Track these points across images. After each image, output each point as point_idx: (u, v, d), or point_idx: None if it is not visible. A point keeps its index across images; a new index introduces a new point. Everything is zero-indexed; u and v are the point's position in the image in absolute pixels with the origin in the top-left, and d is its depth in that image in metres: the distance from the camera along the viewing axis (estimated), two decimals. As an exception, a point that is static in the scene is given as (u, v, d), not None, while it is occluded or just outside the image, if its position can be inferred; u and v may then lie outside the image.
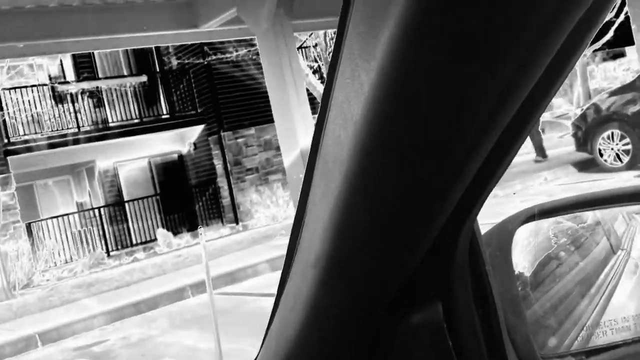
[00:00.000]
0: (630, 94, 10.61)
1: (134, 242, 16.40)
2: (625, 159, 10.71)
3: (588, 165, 11.66)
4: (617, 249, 0.82)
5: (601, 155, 10.98)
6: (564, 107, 21.57)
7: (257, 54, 11.87)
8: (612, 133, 10.75)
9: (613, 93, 10.98)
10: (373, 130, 0.50)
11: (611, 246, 0.82)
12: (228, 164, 17.16)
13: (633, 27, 9.24)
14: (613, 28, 16.89)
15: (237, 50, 16.57)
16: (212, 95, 17.12)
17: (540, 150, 13.80)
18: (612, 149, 10.76)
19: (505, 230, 0.76)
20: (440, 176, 0.52)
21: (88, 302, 9.55)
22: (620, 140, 10.73)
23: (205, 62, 16.86)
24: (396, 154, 0.51)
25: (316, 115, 0.61)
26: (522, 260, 0.75)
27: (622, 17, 16.56)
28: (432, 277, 0.64)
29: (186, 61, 17.35)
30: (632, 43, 22.01)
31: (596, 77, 20.96)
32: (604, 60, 19.31)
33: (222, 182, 17.48)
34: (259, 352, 0.79)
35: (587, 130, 11.00)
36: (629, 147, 10.59)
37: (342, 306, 0.64)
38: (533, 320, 0.73)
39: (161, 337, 7.00)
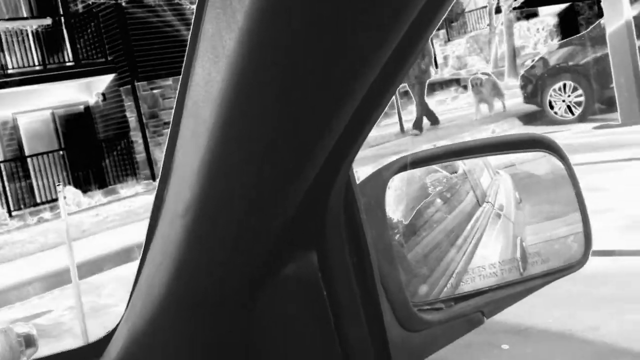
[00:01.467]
0: (580, 45, 10.08)
1: (38, 200, 15.58)
2: (577, 111, 10.25)
3: (532, 119, 11.16)
4: (483, 202, 0.86)
5: (552, 107, 10.48)
6: (478, 65, 21.37)
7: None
8: (564, 85, 10.22)
9: (563, 44, 10.57)
10: (247, 64, 0.47)
11: (477, 198, 0.86)
12: (143, 117, 15.83)
13: None
14: None
15: None
16: (124, 42, 15.74)
17: (418, 124, 13.02)
18: (563, 100, 10.25)
19: (379, 179, 0.75)
20: (316, 119, 0.51)
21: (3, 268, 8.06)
22: (572, 92, 10.23)
23: (117, 5, 15.10)
24: (271, 91, 0.48)
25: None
26: (396, 209, 0.76)
27: None
28: (307, 226, 0.63)
29: (94, 3, 15.49)
30: (546, 3, 22.10)
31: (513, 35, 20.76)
32: (518, 19, 19.06)
33: (135, 136, 16.20)
34: (123, 315, 0.76)
35: (537, 82, 10.50)
36: (582, 98, 10.11)
37: (213, 258, 0.62)
38: (405, 268, 0.74)
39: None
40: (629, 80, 9.36)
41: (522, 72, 11.69)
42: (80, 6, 16.95)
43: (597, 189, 6.20)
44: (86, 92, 17.05)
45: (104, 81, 16.66)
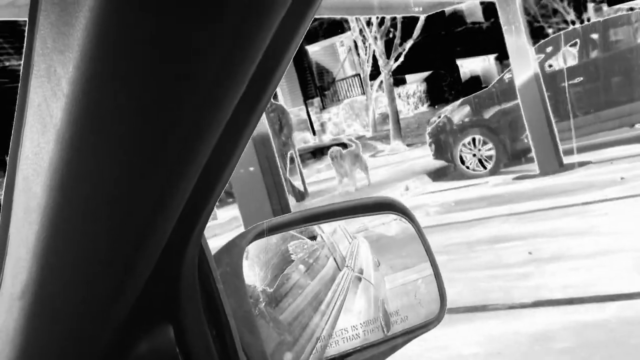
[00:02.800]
0: (484, 100, 10.44)
1: None
2: (489, 164, 10.45)
3: (441, 174, 11.29)
4: (343, 266, 0.88)
5: (463, 162, 10.60)
6: (359, 131, 21.93)
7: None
8: (474, 139, 10.40)
9: (465, 101, 10.90)
10: (75, 133, 0.45)
11: (337, 263, 0.87)
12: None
13: (504, 28, 8.91)
14: (403, 54, 17.27)
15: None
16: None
17: (298, 193, 12.10)
18: (474, 155, 10.41)
19: (236, 248, 0.75)
20: (157, 186, 0.50)
21: None
22: (482, 146, 10.42)
23: None
24: (104, 160, 0.47)
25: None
26: (258, 277, 0.77)
27: (410, 43, 17.10)
28: (160, 299, 0.61)
29: None
30: (413, 71, 23.18)
31: (382, 102, 21.53)
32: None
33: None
34: None
35: (445, 139, 10.60)
36: (492, 152, 10.31)
37: (57, 342, 0.58)
38: (269, 336, 0.75)
39: None
40: (542, 131, 9.60)
41: (428, 129, 11.76)
42: None
43: (583, 232, 6.07)
44: None
45: None
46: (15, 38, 16.19)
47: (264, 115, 6.08)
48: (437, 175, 12.30)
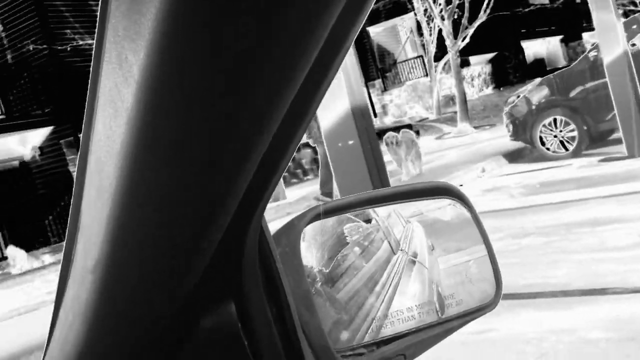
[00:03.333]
0: (566, 80, 9.99)
1: None
2: (571, 146, 10.03)
3: (518, 156, 10.96)
4: (397, 250, 0.90)
5: (543, 143, 10.23)
6: (421, 113, 21.58)
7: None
8: (555, 119, 10.01)
9: (545, 81, 10.47)
10: (146, 117, 0.48)
11: (391, 246, 0.89)
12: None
13: (592, 4, 8.51)
14: (469, 35, 16.86)
15: (89, 39, 14.19)
16: (62, 91, 14.38)
17: (325, 185, 11.10)
18: (555, 136, 10.01)
19: (294, 229, 0.78)
20: (222, 170, 0.52)
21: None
22: (564, 127, 10.02)
23: (51, 53, 14.07)
24: (173, 144, 0.50)
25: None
26: (316, 258, 0.80)
27: (478, 22, 16.70)
28: (223, 277, 0.64)
29: (26, 52, 14.43)
30: (477, 53, 22.66)
31: (445, 84, 21.13)
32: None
33: (80, 190, 14.67)
34: None
35: (524, 119, 10.20)
36: (574, 133, 9.90)
37: (126, 315, 0.62)
38: (327, 315, 0.77)
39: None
40: (631, 111, 9.16)
41: (506, 109, 11.42)
42: (9, 56, 15.67)
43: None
44: (20, 146, 15.70)
45: (41, 134, 15.38)
46: (86, 18, 16.40)
47: (364, 90, 5.98)
48: (513, 157, 11.96)
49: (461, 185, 10.46)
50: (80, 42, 15.49)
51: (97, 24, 0.50)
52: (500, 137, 12.27)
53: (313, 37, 0.47)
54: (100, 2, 0.48)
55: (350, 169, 5.50)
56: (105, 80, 0.50)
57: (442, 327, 0.85)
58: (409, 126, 13.40)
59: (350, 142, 5.46)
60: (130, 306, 0.61)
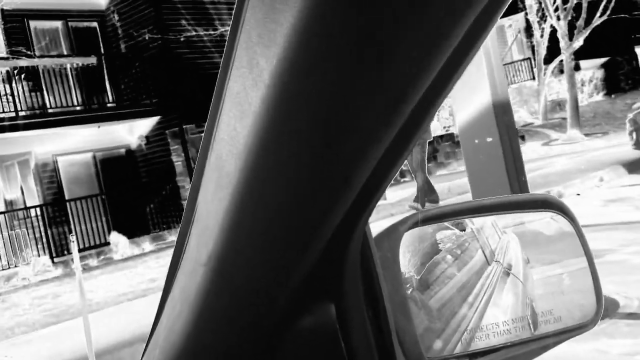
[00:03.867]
0: None
1: (80, 246, 13.59)
2: None
3: (637, 166, 10.24)
4: (492, 261, 0.89)
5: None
6: (525, 118, 20.78)
7: (222, 35, 9.85)
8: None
9: None
10: (271, 121, 0.50)
11: (486, 257, 0.89)
12: (191, 161, 14.74)
13: None
14: (582, 37, 15.95)
15: (199, 30, 14.26)
16: (171, 82, 14.60)
17: (423, 194, 10.22)
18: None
19: (395, 234, 0.78)
20: (337, 175, 0.54)
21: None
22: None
23: (163, 44, 14.28)
24: (295, 150, 0.52)
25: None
26: (409, 264, 0.80)
27: (594, 24, 15.79)
28: (325, 279, 0.65)
29: (139, 42, 14.71)
30: (589, 57, 21.59)
31: (553, 88, 20.14)
32: (561, 72, 18.45)
33: (182, 180, 15.08)
34: None
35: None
36: None
37: (232, 308, 0.64)
38: (419, 322, 0.77)
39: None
40: None
41: (629, 116, 10.70)
42: (123, 46, 16.09)
43: None
44: (128, 134, 16.21)
45: (148, 124, 15.75)
46: (198, 9, 16.64)
47: (506, 83, 5.58)
48: (634, 166, 11.25)
49: (578, 194, 9.88)
50: (193, 34, 15.75)
51: (230, 29, 0.53)
52: (616, 145, 11.53)
53: (444, 41, 0.47)
54: (235, 8, 0.51)
55: (486, 169, 5.14)
56: (233, 82, 0.53)
57: (536, 343, 0.83)
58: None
59: (489, 140, 5.10)
60: (236, 300, 0.63)
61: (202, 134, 0.61)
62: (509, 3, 0.51)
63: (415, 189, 10.51)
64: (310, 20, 0.44)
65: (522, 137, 16.14)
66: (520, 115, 22.77)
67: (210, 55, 16.23)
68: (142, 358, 0.77)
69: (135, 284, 9.56)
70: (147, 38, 15.71)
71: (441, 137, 18.43)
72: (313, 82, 0.47)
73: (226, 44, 0.53)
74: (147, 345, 0.76)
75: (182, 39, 15.78)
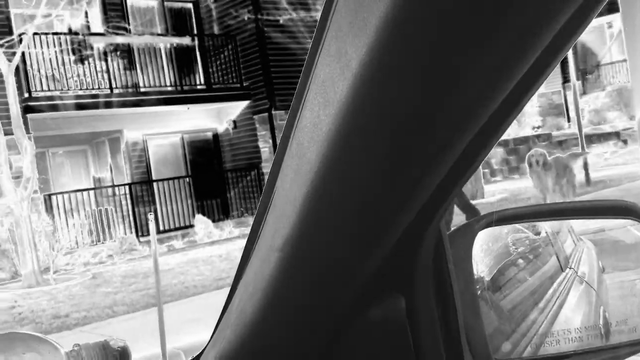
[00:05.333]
0: None
1: (164, 227, 15.18)
2: None
3: None
4: (565, 267, 0.88)
5: None
6: (624, 123, 19.80)
7: (317, 21, 9.37)
8: None
9: None
10: (356, 111, 0.50)
11: (560, 263, 0.87)
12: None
13: None
14: None
15: (295, 14, 13.97)
16: (262, 67, 14.42)
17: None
18: None
19: (469, 232, 0.78)
20: (415, 171, 0.54)
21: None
22: None
23: (257, 28, 14.06)
24: (379, 139, 0.52)
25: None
26: (481, 263, 0.79)
27: None
28: (397, 273, 0.66)
29: (232, 25, 14.53)
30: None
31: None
32: None
33: (268, 167, 14.79)
34: (209, 340, 0.80)
35: None
36: None
37: (304, 294, 0.65)
38: (489, 323, 0.76)
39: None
40: None
41: None
42: (216, 28, 15.99)
43: None
44: (215, 118, 16.57)
45: (236, 108, 15.86)
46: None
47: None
48: None
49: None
50: (287, 17, 15.52)
51: (320, 17, 0.52)
52: None
53: (535, 41, 0.47)
54: None
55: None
56: (319, 71, 0.53)
57: (608, 353, 0.81)
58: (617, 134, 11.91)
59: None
60: (309, 287, 0.64)
61: (288, 120, 0.64)
62: (603, 4, 0.50)
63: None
64: (403, 12, 0.44)
65: (625, 142, 15.22)
66: (619, 119, 21.72)
67: (303, 41, 15.99)
68: (213, 336, 0.79)
69: (228, 269, 9.39)
70: (246, 19, 15.58)
71: (537, 136, 17.92)
72: (400, 75, 0.47)
73: (315, 31, 0.54)
74: (217, 325, 0.78)
75: (277, 22, 15.58)
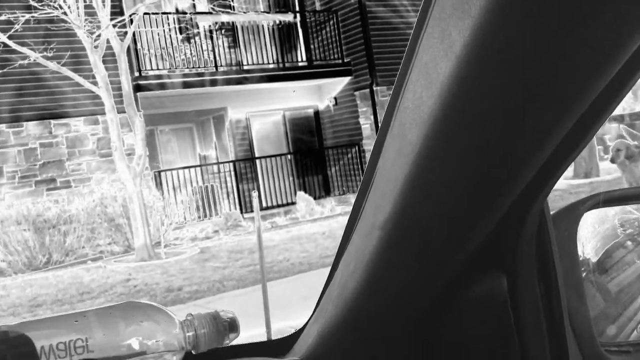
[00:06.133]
0: None
1: (268, 204, 15.36)
2: None
3: None
4: None
5: None
6: None
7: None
8: None
9: None
10: (458, 93, 0.51)
11: None
12: (380, 125, 14.19)
13: None
14: None
15: None
16: (364, 43, 14.38)
17: None
18: None
19: (573, 214, 0.78)
20: (516, 151, 0.55)
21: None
22: None
23: (359, 3, 13.95)
24: (480, 120, 0.53)
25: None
26: (587, 245, 0.78)
27: None
28: (499, 251, 0.67)
29: (334, 0, 14.51)
30: None
31: None
32: None
33: (369, 144, 14.83)
34: (312, 315, 0.83)
35: None
36: None
37: (405, 271, 0.67)
38: (594, 306, 0.76)
39: None
40: None
41: None
42: (318, 3, 16.01)
43: None
44: (316, 95, 16.64)
45: (337, 84, 15.92)
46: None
47: None
48: None
49: None
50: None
51: (423, 1, 0.53)
52: None
53: (623, 52, 0.47)
54: None
55: None
56: (422, 52, 0.53)
57: None
58: None
59: None
60: (410, 263, 0.65)
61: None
62: None
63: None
64: None
65: None
66: None
67: (405, 15, 15.79)
68: (315, 311, 0.81)
69: (332, 246, 9.50)
70: (342, 1, 15.57)
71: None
72: (503, 57, 0.48)
73: (419, 13, 0.54)
74: (320, 299, 0.80)
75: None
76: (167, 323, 0.75)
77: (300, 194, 15.17)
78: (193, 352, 0.75)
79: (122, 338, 0.72)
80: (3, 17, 11.20)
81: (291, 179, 15.93)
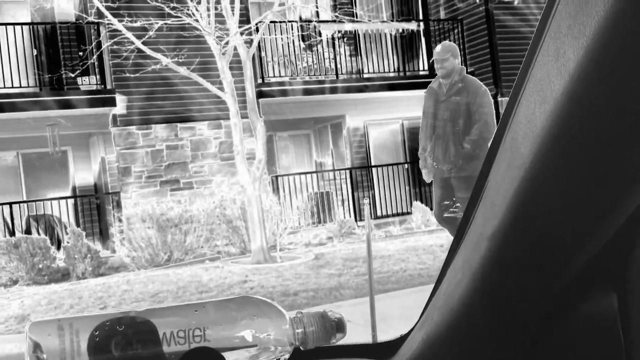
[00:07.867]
0: None
1: (383, 213, 15.55)
2: None
3: None
4: None
5: None
6: None
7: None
8: None
9: None
10: (571, 111, 0.52)
11: None
12: (499, 137, 13.91)
13: None
14: None
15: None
16: (490, 52, 14.13)
17: None
18: None
19: None
20: (628, 172, 0.54)
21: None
22: None
23: (486, 12, 13.62)
24: (593, 139, 0.53)
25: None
26: None
27: None
28: (609, 269, 0.66)
29: (460, 9, 14.25)
30: None
31: None
32: None
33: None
34: (417, 321, 0.85)
35: None
36: None
37: (512, 284, 0.67)
38: None
39: None
40: None
41: None
42: (443, 12, 15.86)
43: None
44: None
45: None
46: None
47: None
48: None
49: None
50: (515, 3, 15.02)
51: (540, 18, 0.56)
52: None
53: None
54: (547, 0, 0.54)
55: None
56: (537, 69, 0.55)
57: None
58: None
59: None
60: (516, 277, 0.65)
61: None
62: None
63: None
64: (622, 16, 0.45)
65: None
66: None
67: (535, 24, 15.33)
68: (421, 318, 0.83)
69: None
70: (477, 1, 15.34)
71: None
72: (616, 77, 0.48)
73: (535, 32, 0.56)
74: (425, 307, 0.82)
75: (509, 4, 15.15)
76: (279, 319, 0.80)
77: (417, 204, 15.05)
78: (301, 348, 0.80)
79: (237, 330, 0.78)
80: (138, 24, 11.94)
81: (407, 188, 15.87)
